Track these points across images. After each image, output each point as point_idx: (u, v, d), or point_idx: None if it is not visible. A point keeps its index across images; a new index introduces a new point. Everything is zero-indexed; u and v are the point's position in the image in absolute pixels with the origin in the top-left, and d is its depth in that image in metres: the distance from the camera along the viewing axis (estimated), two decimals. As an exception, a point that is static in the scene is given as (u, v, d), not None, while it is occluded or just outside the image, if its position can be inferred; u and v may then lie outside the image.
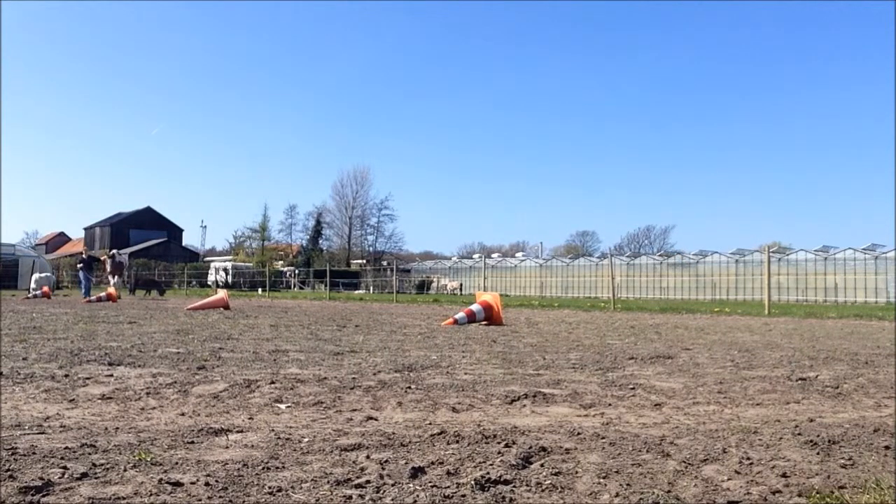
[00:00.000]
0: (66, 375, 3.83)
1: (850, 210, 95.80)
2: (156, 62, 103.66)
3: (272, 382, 3.69)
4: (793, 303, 28.68)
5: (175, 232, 76.67)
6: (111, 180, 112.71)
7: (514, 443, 2.38)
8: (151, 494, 1.74)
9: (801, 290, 35.39)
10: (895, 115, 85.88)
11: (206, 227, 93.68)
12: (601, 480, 1.96)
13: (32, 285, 23.94)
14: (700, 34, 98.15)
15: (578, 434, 2.57)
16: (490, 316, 9.71)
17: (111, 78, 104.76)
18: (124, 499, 1.71)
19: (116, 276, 22.25)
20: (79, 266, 22.45)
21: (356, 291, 41.59)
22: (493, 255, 59.67)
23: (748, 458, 2.23)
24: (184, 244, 76.66)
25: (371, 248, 66.13)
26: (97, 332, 6.96)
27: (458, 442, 2.40)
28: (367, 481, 1.89)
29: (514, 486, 1.89)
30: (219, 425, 2.59)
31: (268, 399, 3.23)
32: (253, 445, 2.30)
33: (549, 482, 1.93)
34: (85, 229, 78.12)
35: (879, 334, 8.97)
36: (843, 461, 2.23)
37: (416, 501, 1.76)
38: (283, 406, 3.07)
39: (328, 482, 1.89)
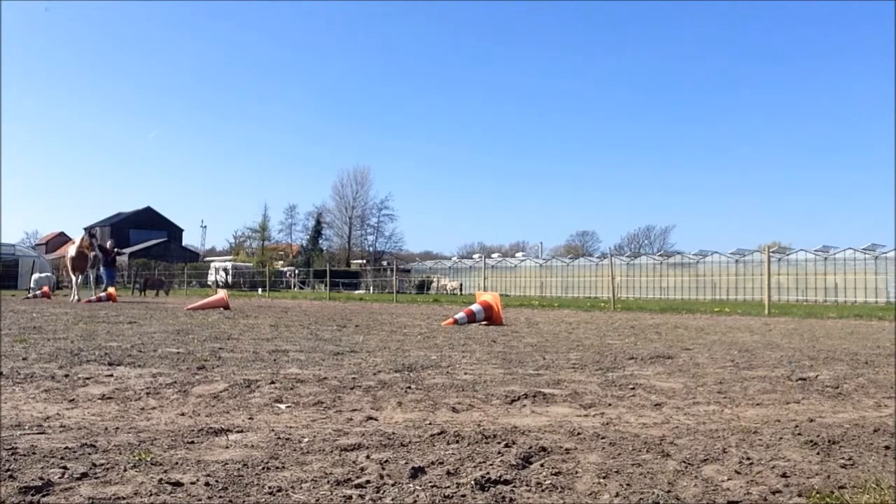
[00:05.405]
0: (66, 375, 3.82)
1: (850, 210, 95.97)
2: (156, 62, 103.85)
3: (272, 382, 3.69)
4: (793, 303, 28.70)
5: (175, 232, 76.70)
6: (111, 180, 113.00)
7: (514, 443, 2.38)
8: (151, 494, 1.74)
9: (801, 290, 35.42)
10: (895, 115, 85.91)
11: (206, 227, 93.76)
12: (601, 480, 1.96)
13: (32, 285, 23.92)
14: (700, 33, 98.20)
15: (578, 434, 2.57)
16: (490, 316, 9.71)
17: (111, 78, 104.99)
18: (124, 499, 1.71)
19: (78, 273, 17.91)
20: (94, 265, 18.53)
21: (356, 291, 41.61)
22: (493, 255, 59.69)
23: (748, 458, 2.23)
24: (184, 244, 76.71)
25: (371, 248, 66.18)
26: (97, 332, 6.96)
27: (458, 442, 2.40)
28: (367, 481, 1.89)
29: (514, 486, 1.89)
30: (219, 425, 2.59)
31: (268, 399, 3.23)
32: (253, 445, 2.30)
33: (549, 482, 1.93)
34: (85, 229, 77.95)
35: (879, 334, 8.97)
36: (843, 461, 2.23)
37: (416, 501, 1.76)
38: (283, 406, 3.06)
39: (328, 482, 1.89)
